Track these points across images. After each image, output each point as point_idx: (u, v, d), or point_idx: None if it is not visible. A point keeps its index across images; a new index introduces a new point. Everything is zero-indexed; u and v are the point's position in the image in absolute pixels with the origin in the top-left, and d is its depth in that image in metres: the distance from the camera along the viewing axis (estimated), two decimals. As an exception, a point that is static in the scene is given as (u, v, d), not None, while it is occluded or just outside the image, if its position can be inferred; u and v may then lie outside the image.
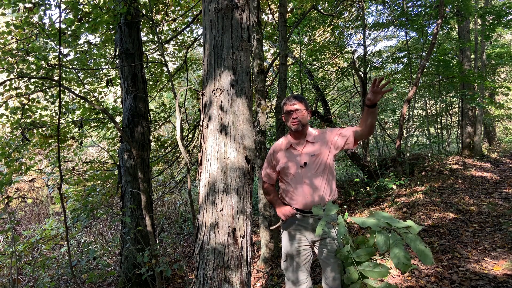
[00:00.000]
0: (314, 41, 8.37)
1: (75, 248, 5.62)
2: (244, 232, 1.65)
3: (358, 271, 1.50)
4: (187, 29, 5.82)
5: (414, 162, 8.01)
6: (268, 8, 5.69)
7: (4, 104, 3.68)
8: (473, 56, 8.62)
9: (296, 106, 1.90)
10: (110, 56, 5.48)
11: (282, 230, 2.07)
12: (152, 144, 5.57)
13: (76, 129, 5.10)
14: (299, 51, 7.96)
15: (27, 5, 3.48)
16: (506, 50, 9.81)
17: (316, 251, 1.97)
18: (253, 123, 2.02)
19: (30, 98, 3.99)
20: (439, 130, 11.62)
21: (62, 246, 5.42)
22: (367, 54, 7.98)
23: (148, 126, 4.15)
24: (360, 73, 7.76)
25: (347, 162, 9.43)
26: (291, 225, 1.98)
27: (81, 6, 3.83)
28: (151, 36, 5.53)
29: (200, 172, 1.75)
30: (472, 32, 8.61)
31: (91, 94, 5.33)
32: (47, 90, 4.23)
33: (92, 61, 4.97)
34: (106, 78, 5.40)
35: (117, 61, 4.36)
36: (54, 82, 3.79)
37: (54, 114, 4.76)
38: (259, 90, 3.67)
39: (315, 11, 6.52)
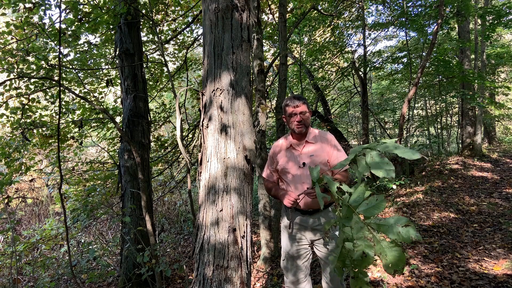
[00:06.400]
0: (314, 41, 8.37)
1: (75, 248, 5.62)
2: (244, 232, 1.65)
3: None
4: (187, 29, 5.81)
5: (414, 162, 8.00)
6: (268, 8, 5.68)
7: (4, 104, 3.67)
8: (473, 56, 8.61)
9: (300, 109, 1.90)
10: (110, 56, 5.47)
11: (282, 230, 2.07)
12: (152, 144, 5.56)
13: (76, 129, 5.10)
14: (299, 51, 7.96)
15: (27, 5, 3.48)
16: (506, 50, 9.81)
17: (316, 251, 1.97)
18: (253, 123, 2.02)
19: (30, 98, 3.99)
20: (439, 130, 11.61)
21: (62, 246, 5.42)
22: (367, 54, 7.98)
23: (148, 126, 4.15)
24: (360, 73, 7.76)
25: (347, 162, 9.40)
26: (294, 223, 1.97)
27: (81, 6, 3.82)
28: (151, 36, 5.53)
29: (200, 172, 1.75)
30: (472, 32, 8.60)
31: (91, 94, 5.32)
32: (47, 90, 4.23)
33: (92, 61, 4.97)
34: (106, 78, 5.39)
35: (117, 61, 4.36)
36: (54, 82, 3.78)
37: (54, 114, 4.76)
38: (259, 90, 3.66)
39: (315, 11, 6.51)
